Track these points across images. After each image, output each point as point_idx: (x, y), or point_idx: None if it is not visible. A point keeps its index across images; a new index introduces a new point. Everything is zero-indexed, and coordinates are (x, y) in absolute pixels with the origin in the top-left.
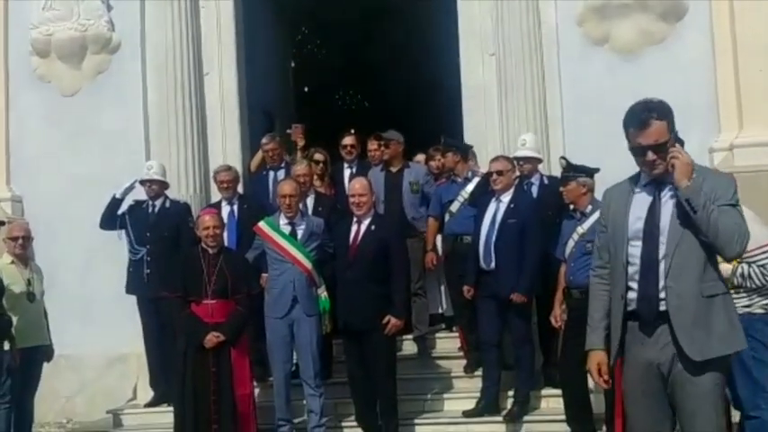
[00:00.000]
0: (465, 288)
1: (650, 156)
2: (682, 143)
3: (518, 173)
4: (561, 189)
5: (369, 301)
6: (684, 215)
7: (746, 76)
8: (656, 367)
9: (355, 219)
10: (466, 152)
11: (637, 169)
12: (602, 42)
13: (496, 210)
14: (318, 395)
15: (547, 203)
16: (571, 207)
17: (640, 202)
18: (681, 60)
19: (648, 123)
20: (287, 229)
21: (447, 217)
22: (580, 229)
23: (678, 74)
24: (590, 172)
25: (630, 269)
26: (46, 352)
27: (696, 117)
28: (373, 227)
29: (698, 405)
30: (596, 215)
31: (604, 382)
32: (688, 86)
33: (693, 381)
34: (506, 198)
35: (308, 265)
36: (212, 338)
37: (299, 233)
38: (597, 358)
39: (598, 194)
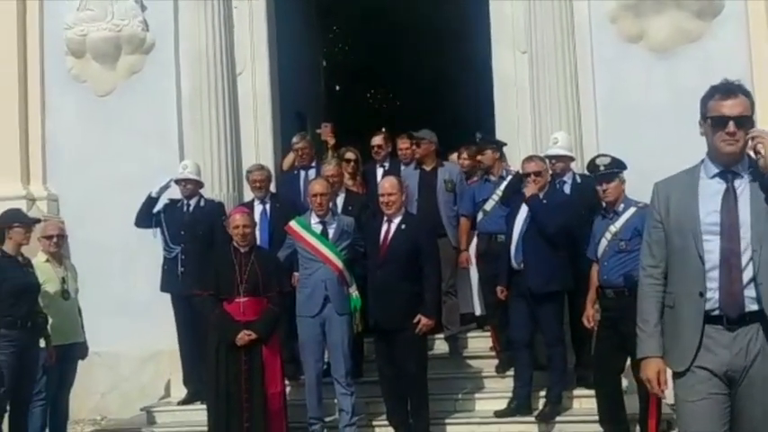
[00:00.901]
0: (498, 289)
1: (731, 127)
2: None
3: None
4: (605, 186)
5: (400, 301)
6: None
7: None
8: (724, 373)
9: (386, 218)
10: (501, 149)
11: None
12: (636, 40)
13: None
14: (350, 394)
15: (580, 202)
16: (603, 205)
17: (711, 194)
18: (716, 58)
19: (736, 94)
20: (318, 228)
21: (480, 216)
22: (613, 228)
23: (714, 72)
24: (625, 168)
25: (706, 266)
26: (80, 349)
27: None
28: (404, 226)
29: (766, 409)
30: (629, 213)
31: (662, 393)
32: None
33: (766, 386)
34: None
35: (340, 264)
36: (244, 336)
37: (331, 232)
38: (657, 366)
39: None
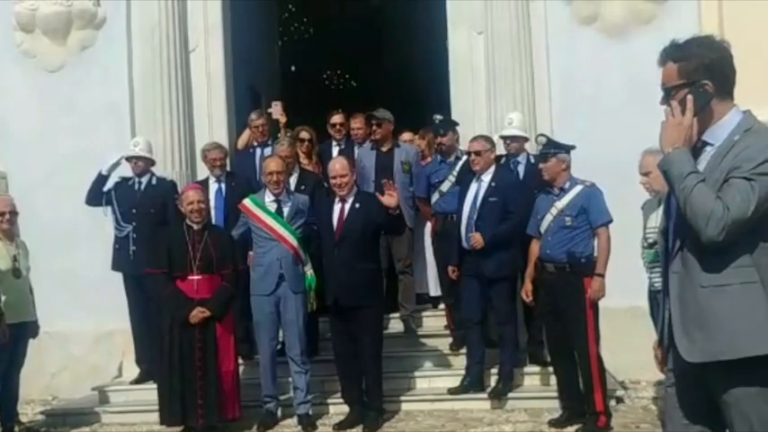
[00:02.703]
0: (450, 269)
1: (660, 101)
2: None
3: (496, 152)
4: (541, 166)
5: (358, 279)
6: None
7: (734, 54)
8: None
9: (338, 198)
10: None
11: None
12: (590, 21)
13: (478, 189)
14: (304, 372)
15: (533, 182)
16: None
17: None
18: (669, 39)
19: (663, 63)
20: (272, 207)
21: (436, 196)
22: (559, 204)
23: None
24: (568, 149)
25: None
26: (31, 329)
27: None
28: (357, 205)
29: (729, 418)
30: (575, 191)
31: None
32: None
33: (723, 388)
34: (487, 177)
35: (294, 242)
36: (198, 314)
37: (285, 211)
38: None
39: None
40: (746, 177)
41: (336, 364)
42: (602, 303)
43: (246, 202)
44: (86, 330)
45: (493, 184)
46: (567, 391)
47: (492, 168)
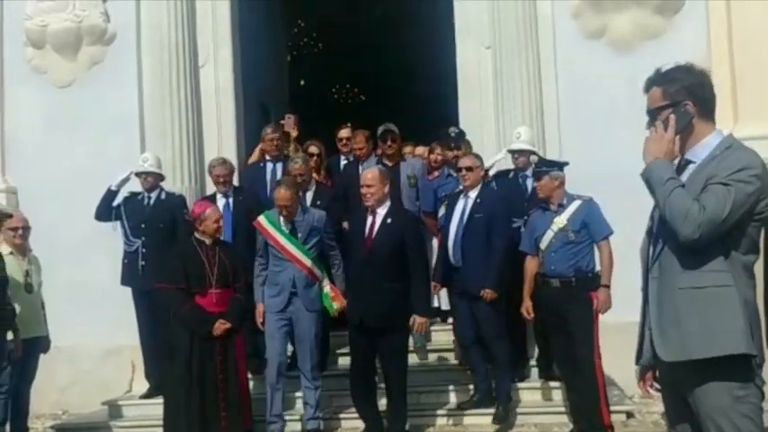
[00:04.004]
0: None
1: (647, 125)
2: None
3: (484, 170)
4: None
5: (385, 299)
6: None
7: (742, 70)
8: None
9: (369, 210)
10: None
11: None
12: (598, 36)
13: (465, 205)
14: (315, 388)
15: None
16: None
17: None
18: (677, 54)
19: (648, 89)
20: (286, 227)
21: (442, 210)
22: (559, 220)
23: None
24: (561, 165)
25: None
26: (43, 343)
27: None
28: (389, 220)
29: (704, 421)
30: (575, 206)
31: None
32: None
33: (696, 391)
34: (473, 193)
35: (308, 262)
36: (220, 326)
37: (299, 230)
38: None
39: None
40: (723, 183)
41: (353, 381)
42: (609, 317)
43: (261, 219)
44: (96, 345)
45: (479, 200)
46: (578, 406)
47: (479, 185)
